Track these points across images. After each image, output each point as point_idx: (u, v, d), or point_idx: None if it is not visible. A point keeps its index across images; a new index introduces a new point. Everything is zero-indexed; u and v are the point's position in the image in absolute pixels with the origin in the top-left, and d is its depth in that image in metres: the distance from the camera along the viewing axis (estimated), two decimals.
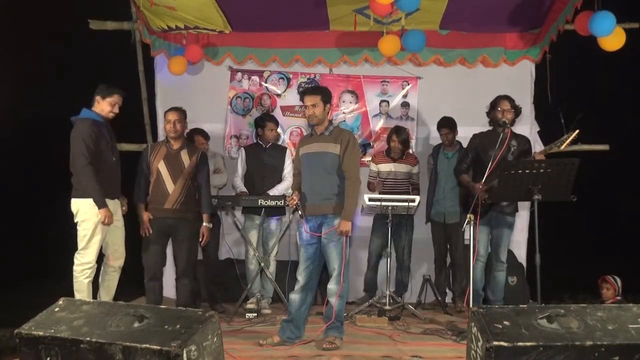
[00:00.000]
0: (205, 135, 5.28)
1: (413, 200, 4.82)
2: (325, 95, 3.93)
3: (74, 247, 4.15)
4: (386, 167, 5.39)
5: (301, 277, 3.89)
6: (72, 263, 4.10)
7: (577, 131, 3.93)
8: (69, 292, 4.03)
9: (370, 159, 5.63)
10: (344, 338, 3.85)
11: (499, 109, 4.46)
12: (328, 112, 3.95)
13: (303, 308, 3.90)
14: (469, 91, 5.85)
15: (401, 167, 5.39)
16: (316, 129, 3.95)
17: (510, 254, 5.11)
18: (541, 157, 4.08)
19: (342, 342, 3.78)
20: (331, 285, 3.81)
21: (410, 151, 5.67)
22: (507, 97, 4.51)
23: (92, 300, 2.85)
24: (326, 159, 3.85)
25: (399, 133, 5.35)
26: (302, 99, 3.99)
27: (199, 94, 6.02)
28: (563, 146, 4.01)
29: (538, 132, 5.93)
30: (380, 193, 5.23)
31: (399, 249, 5.31)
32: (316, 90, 4.03)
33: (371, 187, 5.45)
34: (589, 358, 2.32)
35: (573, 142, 4.13)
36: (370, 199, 4.85)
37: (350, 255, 5.71)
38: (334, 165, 3.84)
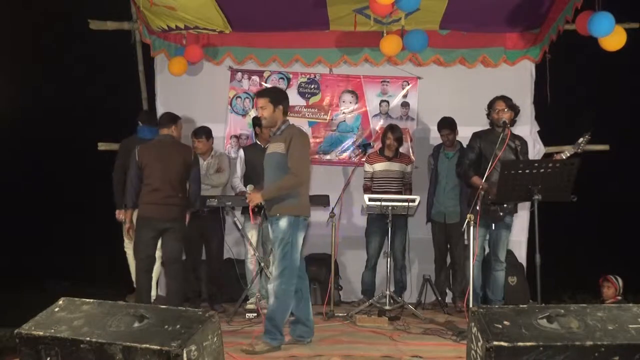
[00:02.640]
0: (199, 134, 5.23)
1: (413, 200, 4.81)
2: (274, 97, 3.88)
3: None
4: (380, 165, 5.39)
5: None
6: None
7: (589, 132, 3.96)
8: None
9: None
10: (279, 345, 3.69)
11: (496, 109, 4.50)
12: (280, 113, 3.87)
13: (301, 305, 3.88)
14: (469, 91, 5.84)
15: (395, 166, 5.38)
16: (272, 130, 3.95)
17: (510, 254, 5.12)
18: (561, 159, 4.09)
19: (269, 347, 3.64)
20: (269, 285, 3.84)
21: (404, 150, 5.67)
22: (502, 97, 4.55)
23: (93, 300, 2.86)
24: (274, 159, 3.85)
25: (393, 131, 5.35)
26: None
27: (199, 94, 6.02)
28: (580, 148, 4.03)
29: (538, 132, 5.93)
30: (372, 192, 5.24)
31: (394, 249, 5.29)
32: (265, 92, 3.98)
33: (366, 189, 5.44)
34: (589, 358, 2.32)
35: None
36: (370, 199, 4.84)
37: (349, 256, 5.80)
38: (281, 165, 3.81)
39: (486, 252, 4.73)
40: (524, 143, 4.61)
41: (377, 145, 5.75)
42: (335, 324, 4.60)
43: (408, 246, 5.36)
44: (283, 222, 3.74)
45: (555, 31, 5.33)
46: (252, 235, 5.06)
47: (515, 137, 4.58)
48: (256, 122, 5.22)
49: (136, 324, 2.57)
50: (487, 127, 4.70)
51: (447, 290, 5.53)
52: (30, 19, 7.97)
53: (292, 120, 6.00)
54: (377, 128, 6.02)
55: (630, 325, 2.42)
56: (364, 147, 5.67)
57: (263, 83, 6.10)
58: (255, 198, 3.80)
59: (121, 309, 2.72)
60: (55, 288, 7.01)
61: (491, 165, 4.13)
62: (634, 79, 7.23)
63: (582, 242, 7.87)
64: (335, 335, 4.17)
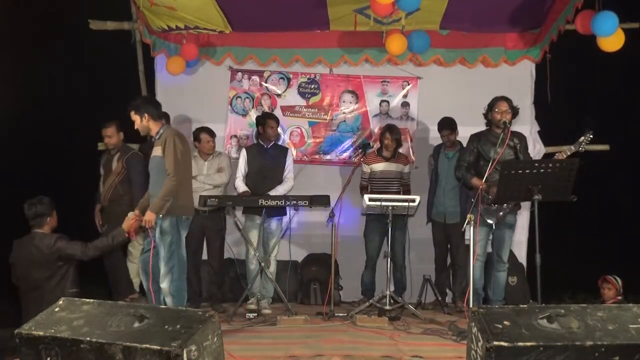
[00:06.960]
0: (210, 132, 5.32)
1: (413, 200, 4.81)
2: (138, 108, 4.06)
3: None
4: (378, 166, 5.38)
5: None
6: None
7: (591, 131, 3.98)
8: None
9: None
10: None
11: (497, 110, 4.48)
12: (149, 120, 4.07)
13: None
14: (469, 91, 5.84)
15: (393, 167, 5.37)
16: (153, 137, 4.13)
17: (511, 253, 5.11)
18: (562, 158, 4.09)
19: None
20: (162, 285, 3.99)
21: (403, 150, 5.67)
22: (504, 98, 4.53)
23: (93, 300, 2.87)
24: (155, 162, 4.07)
25: (392, 131, 5.34)
26: None
27: (199, 94, 6.02)
28: (581, 147, 4.06)
29: (538, 132, 5.93)
30: (370, 193, 5.24)
31: (394, 249, 5.28)
32: (129, 106, 4.11)
33: (362, 189, 5.43)
34: (589, 358, 2.31)
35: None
36: (370, 199, 4.84)
37: (348, 256, 5.80)
38: (159, 167, 4.01)
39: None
40: (522, 139, 4.62)
41: (377, 145, 5.75)
42: (335, 324, 4.60)
43: (408, 246, 5.36)
44: (166, 223, 3.96)
45: (556, 31, 5.33)
46: (253, 235, 5.05)
47: (514, 134, 4.58)
48: (259, 120, 5.23)
49: (136, 324, 2.57)
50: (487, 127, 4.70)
51: (447, 290, 5.53)
52: (30, 19, 7.96)
53: (293, 120, 6.11)
54: (377, 128, 6.02)
55: (630, 325, 2.42)
56: (364, 147, 5.67)
57: (263, 83, 6.10)
58: (150, 217, 3.93)
59: (121, 309, 2.71)
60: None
61: (491, 165, 4.13)
62: (634, 79, 7.22)
63: (582, 242, 7.85)
64: (335, 335, 4.16)
